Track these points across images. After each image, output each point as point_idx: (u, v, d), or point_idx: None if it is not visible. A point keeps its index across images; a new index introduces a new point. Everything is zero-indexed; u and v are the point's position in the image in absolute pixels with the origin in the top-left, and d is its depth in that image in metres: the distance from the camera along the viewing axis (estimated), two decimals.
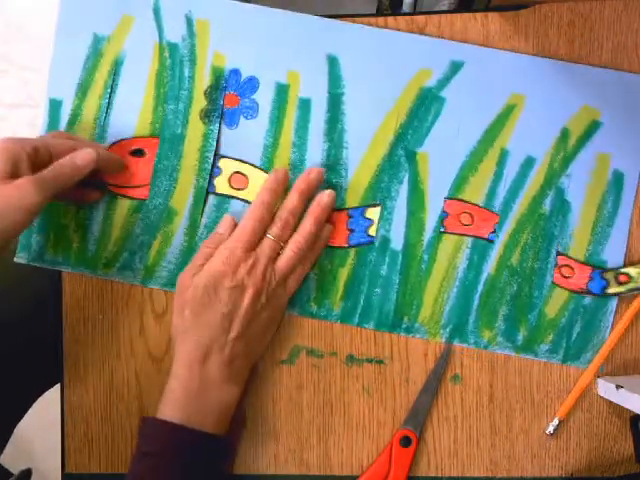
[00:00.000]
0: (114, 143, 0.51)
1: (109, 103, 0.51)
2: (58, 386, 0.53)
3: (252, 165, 0.51)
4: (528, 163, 0.50)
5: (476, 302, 0.50)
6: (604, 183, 0.50)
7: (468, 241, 0.50)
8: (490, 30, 0.50)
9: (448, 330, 0.51)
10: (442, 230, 0.50)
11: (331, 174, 0.51)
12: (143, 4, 0.50)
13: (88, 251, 0.51)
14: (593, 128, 0.50)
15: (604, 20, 0.50)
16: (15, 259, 0.51)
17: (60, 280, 0.52)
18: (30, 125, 1.18)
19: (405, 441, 0.50)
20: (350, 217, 0.50)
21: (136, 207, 0.51)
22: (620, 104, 0.49)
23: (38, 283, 0.51)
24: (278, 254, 0.47)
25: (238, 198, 0.51)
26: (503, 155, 0.50)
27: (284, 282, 0.47)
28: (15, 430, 0.61)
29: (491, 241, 0.50)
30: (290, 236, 0.47)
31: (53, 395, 0.56)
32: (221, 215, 0.51)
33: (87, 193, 0.50)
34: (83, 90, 0.51)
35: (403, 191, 0.50)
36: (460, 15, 0.50)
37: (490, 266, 0.50)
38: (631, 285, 0.49)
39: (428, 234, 0.50)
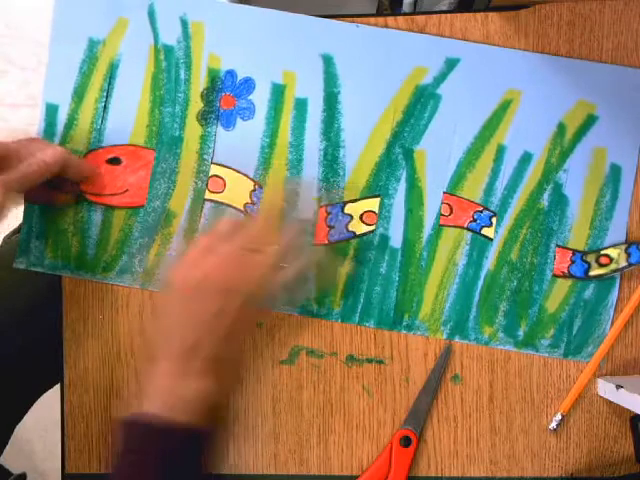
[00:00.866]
0: (90, 151, 0.51)
1: (105, 107, 0.51)
2: (58, 386, 0.53)
3: (229, 167, 0.51)
4: (525, 158, 0.50)
5: (476, 298, 0.51)
6: (601, 177, 0.50)
7: (467, 237, 0.50)
8: (490, 30, 0.50)
9: (449, 327, 0.51)
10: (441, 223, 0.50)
11: (329, 173, 0.51)
12: (138, 7, 0.50)
13: (87, 255, 0.51)
14: (589, 122, 0.50)
15: (604, 20, 0.50)
16: (14, 265, 0.51)
17: (60, 280, 0.52)
18: (30, 125, 1.17)
19: (405, 441, 0.50)
20: (329, 214, 0.50)
21: (134, 210, 0.51)
22: (615, 98, 0.50)
23: (38, 283, 0.51)
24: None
25: (219, 202, 0.51)
26: (500, 151, 0.50)
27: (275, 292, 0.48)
28: (15, 430, 0.61)
29: (472, 231, 0.50)
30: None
31: (53, 395, 0.56)
32: (220, 215, 0.51)
33: (57, 195, 0.51)
34: (79, 94, 0.51)
35: (401, 189, 0.50)
36: (460, 15, 0.50)
37: (490, 262, 0.50)
38: (612, 266, 0.49)
39: (427, 231, 0.50)
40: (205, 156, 0.51)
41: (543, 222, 0.50)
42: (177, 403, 0.43)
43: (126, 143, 0.51)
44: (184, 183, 0.51)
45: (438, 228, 0.50)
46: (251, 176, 0.51)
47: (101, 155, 0.51)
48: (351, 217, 0.51)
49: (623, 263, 0.49)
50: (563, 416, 0.50)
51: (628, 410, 0.49)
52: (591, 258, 0.50)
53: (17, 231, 0.55)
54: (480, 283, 0.50)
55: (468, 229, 0.50)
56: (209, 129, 0.51)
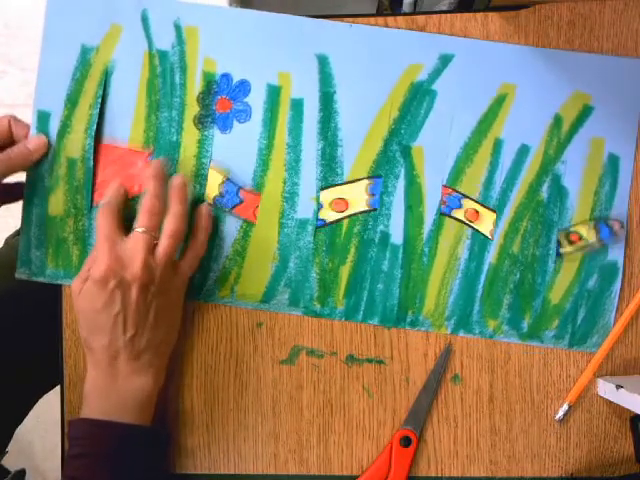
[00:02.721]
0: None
1: (100, 113, 0.51)
2: (58, 387, 0.52)
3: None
4: (523, 151, 0.50)
5: (479, 292, 0.50)
6: (600, 167, 0.50)
7: (468, 232, 0.50)
8: (490, 30, 0.50)
9: (453, 321, 0.51)
10: (442, 212, 0.50)
11: (327, 172, 0.51)
12: (131, 13, 0.50)
13: None
14: (585, 113, 0.50)
15: (604, 20, 0.50)
16: (16, 275, 0.51)
17: None
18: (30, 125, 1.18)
19: (405, 441, 0.50)
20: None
21: (133, 213, 0.51)
22: (611, 88, 0.50)
23: (37, 284, 0.51)
24: (156, 244, 0.46)
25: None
26: (497, 145, 0.50)
27: (173, 268, 0.47)
28: (16, 431, 0.61)
29: (444, 215, 0.50)
30: (160, 223, 0.46)
31: (53, 396, 0.56)
32: (218, 219, 0.51)
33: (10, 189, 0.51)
34: (72, 101, 0.51)
35: (400, 186, 0.50)
36: (460, 15, 0.50)
37: (491, 255, 0.50)
38: (582, 243, 0.50)
39: (427, 227, 0.50)
40: (203, 160, 0.51)
41: (543, 214, 0.50)
42: (112, 406, 0.44)
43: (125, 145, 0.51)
44: None
45: (438, 224, 0.50)
46: (249, 179, 0.51)
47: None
48: (321, 205, 0.51)
49: (592, 239, 0.49)
50: (570, 407, 0.50)
51: (628, 410, 0.49)
52: (561, 236, 0.50)
53: (18, 233, 0.55)
54: (483, 277, 0.50)
55: (442, 214, 0.50)
56: (206, 133, 0.51)
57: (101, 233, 0.45)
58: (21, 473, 0.59)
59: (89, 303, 0.45)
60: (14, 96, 1.19)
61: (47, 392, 0.63)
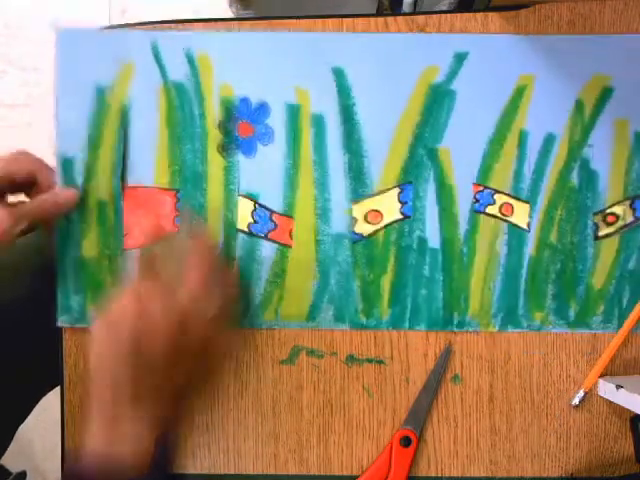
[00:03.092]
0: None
1: (124, 154, 0.50)
2: (58, 387, 0.52)
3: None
4: (549, 140, 0.50)
5: (522, 286, 0.50)
6: (627, 147, 0.50)
7: (504, 227, 0.50)
8: (490, 30, 0.50)
9: (499, 318, 0.50)
10: (475, 210, 0.50)
11: (356, 185, 0.50)
12: (141, 49, 0.50)
13: None
14: (606, 95, 0.50)
15: (604, 20, 0.50)
16: (58, 324, 0.51)
17: None
18: (30, 125, 1.19)
19: (405, 441, 0.50)
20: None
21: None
22: (629, 67, 0.50)
23: (37, 284, 0.51)
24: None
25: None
26: (522, 136, 0.50)
27: (197, 312, 0.44)
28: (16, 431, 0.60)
29: (477, 212, 0.50)
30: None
31: (53, 395, 0.55)
32: (254, 246, 0.51)
33: None
34: (94, 144, 0.50)
35: (431, 189, 0.50)
36: (460, 15, 0.50)
37: (530, 248, 0.50)
38: (620, 223, 0.50)
39: (463, 227, 0.50)
40: (231, 187, 0.51)
41: (576, 200, 0.50)
42: (114, 454, 0.42)
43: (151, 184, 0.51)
44: (214, 217, 0.51)
45: (474, 222, 0.50)
46: (279, 200, 0.51)
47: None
48: (355, 219, 0.50)
49: (630, 218, 0.50)
50: (585, 393, 0.50)
51: (628, 410, 0.49)
52: (598, 219, 0.50)
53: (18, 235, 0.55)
54: (524, 270, 0.50)
55: (476, 212, 0.50)
56: (231, 159, 0.51)
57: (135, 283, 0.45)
58: (22, 475, 0.58)
59: (114, 344, 0.43)
60: (14, 96, 1.19)
61: (47, 392, 0.63)
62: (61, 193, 0.49)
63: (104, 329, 0.43)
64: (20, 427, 0.60)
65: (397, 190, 0.51)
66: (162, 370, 0.43)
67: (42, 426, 0.89)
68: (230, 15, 0.74)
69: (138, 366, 0.43)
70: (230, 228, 0.51)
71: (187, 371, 0.45)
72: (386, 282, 0.51)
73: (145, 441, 0.43)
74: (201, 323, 0.44)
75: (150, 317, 0.43)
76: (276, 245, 0.51)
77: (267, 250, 0.51)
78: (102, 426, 0.43)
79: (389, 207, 0.50)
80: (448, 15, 0.50)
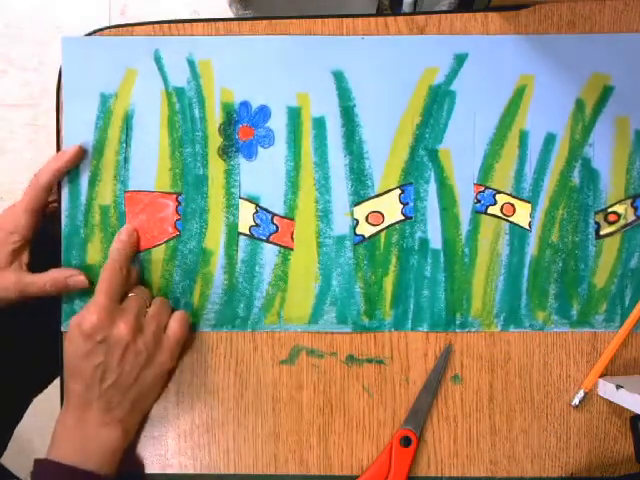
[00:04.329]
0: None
1: (126, 158, 0.51)
2: (58, 385, 0.52)
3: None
4: (549, 140, 0.50)
5: (525, 285, 0.50)
6: (628, 145, 0.50)
7: (506, 227, 0.50)
8: (490, 30, 0.50)
9: (502, 318, 0.51)
10: (477, 210, 0.50)
11: (358, 186, 0.51)
12: (144, 55, 0.50)
13: None
14: (606, 93, 0.50)
15: (604, 20, 0.50)
16: (62, 329, 0.51)
17: None
18: (30, 125, 1.20)
19: (405, 441, 0.50)
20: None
21: (171, 255, 0.51)
22: (629, 65, 0.50)
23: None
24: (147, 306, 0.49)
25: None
26: (523, 136, 0.50)
27: (159, 331, 0.48)
28: (15, 430, 0.61)
29: (479, 212, 0.50)
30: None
31: (53, 395, 0.55)
32: (255, 248, 0.51)
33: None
34: (98, 150, 0.51)
35: (432, 190, 0.51)
36: (460, 15, 0.50)
37: (532, 247, 0.50)
38: (621, 222, 0.50)
39: (465, 227, 0.50)
40: (232, 190, 0.51)
41: (578, 199, 0.50)
42: (77, 451, 0.46)
43: (152, 190, 0.51)
44: (216, 220, 0.51)
45: (475, 223, 0.50)
46: (280, 203, 0.51)
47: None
48: (357, 221, 0.51)
49: (632, 217, 0.50)
50: (585, 393, 0.50)
51: (628, 410, 0.49)
52: (599, 218, 0.50)
53: None
54: (526, 270, 0.50)
55: (478, 212, 0.50)
56: (232, 163, 0.51)
57: (101, 287, 0.47)
58: None
59: (74, 348, 0.46)
60: (14, 96, 1.20)
61: (47, 385, 0.64)
62: (52, 275, 0.50)
63: (79, 337, 0.46)
64: (20, 427, 0.61)
65: (398, 191, 0.51)
66: (127, 378, 0.47)
67: (42, 425, 0.90)
68: (230, 15, 0.75)
69: (105, 371, 0.46)
70: (232, 231, 0.51)
71: (144, 383, 0.48)
72: (388, 283, 0.51)
73: (116, 445, 0.47)
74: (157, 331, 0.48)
75: (116, 327, 0.46)
76: (278, 248, 0.51)
77: (269, 253, 0.51)
78: (74, 424, 0.47)
79: (390, 208, 0.51)
80: (448, 15, 0.51)
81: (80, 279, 0.50)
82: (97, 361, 0.46)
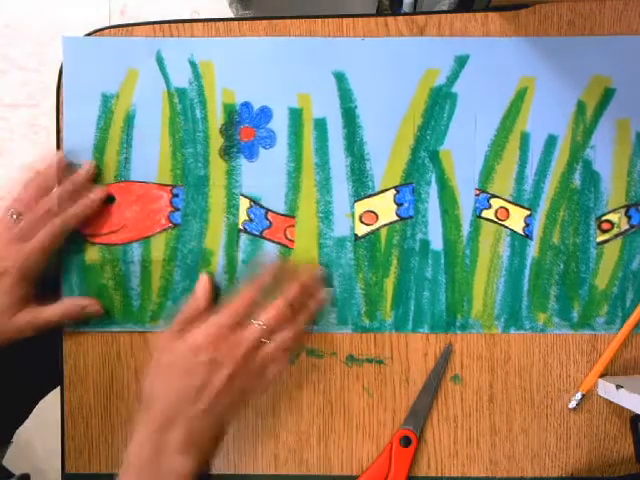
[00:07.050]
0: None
1: (127, 158, 0.51)
2: (58, 387, 0.52)
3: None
4: (550, 142, 0.50)
5: (525, 287, 0.50)
6: (629, 147, 0.50)
7: (507, 229, 0.50)
8: (490, 30, 0.50)
9: (502, 320, 0.50)
10: (478, 215, 0.50)
11: (359, 187, 0.51)
12: (145, 56, 0.50)
13: (132, 307, 0.51)
14: (608, 96, 0.50)
15: (604, 20, 0.50)
16: (64, 329, 0.51)
17: (58, 280, 0.51)
18: (30, 125, 1.20)
19: (405, 441, 0.50)
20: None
21: (170, 255, 0.51)
22: (630, 67, 0.50)
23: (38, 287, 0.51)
24: (262, 341, 0.46)
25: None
26: (524, 138, 0.50)
27: (263, 370, 0.46)
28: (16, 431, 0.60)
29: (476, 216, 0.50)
30: (279, 328, 0.46)
31: (53, 395, 0.56)
32: (256, 249, 0.51)
33: None
34: (100, 150, 0.51)
35: (433, 192, 0.51)
36: (460, 15, 0.50)
37: (533, 249, 0.50)
38: (615, 231, 0.50)
39: (466, 229, 0.50)
40: (233, 190, 0.51)
41: (579, 202, 0.50)
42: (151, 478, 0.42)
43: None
44: (216, 220, 0.51)
45: (476, 225, 0.50)
46: (281, 204, 0.51)
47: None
48: (355, 221, 0.51)
49: (625, 226, 0.50)
50: (583, 395, 0.50)
51: (628, 410, 0.49)
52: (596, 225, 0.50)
53: None
54: (527, 272, 0.50)
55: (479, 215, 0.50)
56: (233, 163, 0.51)
57: (227, 306, 0.46)
58: (25, 477, 0.58)
59: (173, 363, 0.44)
60: (14, 96, 1.20)
61: (48, 393, 0.63)
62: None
63: (187, 350, 0.44)
64: (20, 428, 0.61)
65: (393, 192, 0.51)
66: (218, 407, 0.44)
67: (42, 426, 0.90)
68: (230, 15, 0.75)
69: (201, 395, 0.43)
70: (233, 231, 0.51)
71: (228, 415, 0.46)
72: (389, 284, 0.51)
73: (187, 473, 0.43)
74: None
75: (229, 352, 0.44)
76: (278, 246, 0.51)
77: (269, 254, 0.51)
78: (150, 452, 0.42)
79: (384, 209, 0.51)
80: (448, 15, 0.51)
81: (96, 309, 0.50)
82: (196, 382, 0.43)
